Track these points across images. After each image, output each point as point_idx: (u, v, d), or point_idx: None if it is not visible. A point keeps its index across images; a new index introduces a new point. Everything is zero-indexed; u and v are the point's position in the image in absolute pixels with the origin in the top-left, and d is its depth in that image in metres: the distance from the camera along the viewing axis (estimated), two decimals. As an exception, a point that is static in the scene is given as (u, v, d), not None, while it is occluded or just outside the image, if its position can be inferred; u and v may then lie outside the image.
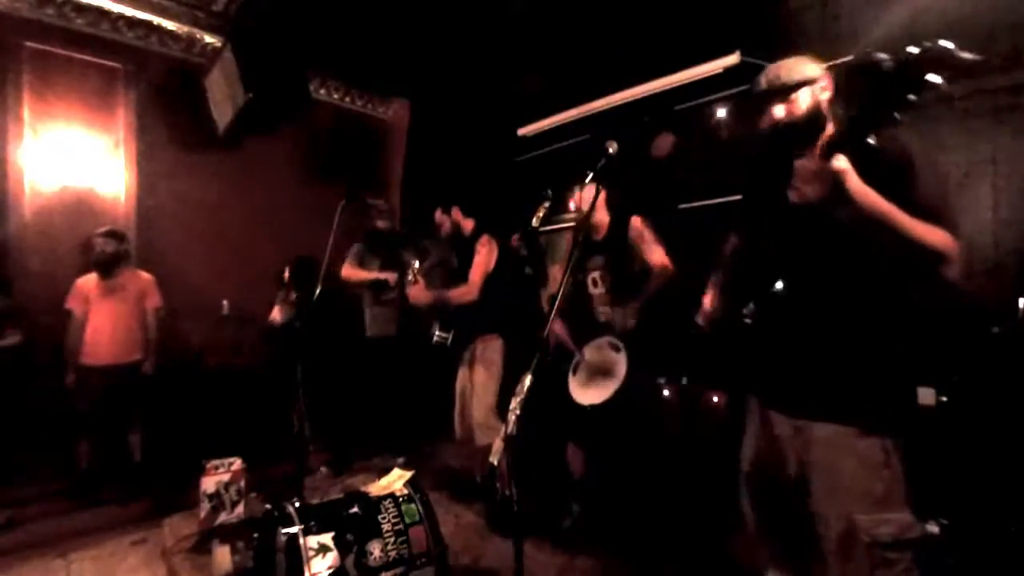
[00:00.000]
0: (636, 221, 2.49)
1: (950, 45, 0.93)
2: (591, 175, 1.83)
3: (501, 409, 2.73)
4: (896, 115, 0.99)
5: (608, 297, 2.47)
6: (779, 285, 1.32)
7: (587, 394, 2.32)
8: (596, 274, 2.51)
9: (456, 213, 2.94)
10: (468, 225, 2.94)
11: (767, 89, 1.31)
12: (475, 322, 2.81)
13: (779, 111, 1.30)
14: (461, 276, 2.81)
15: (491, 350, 2.82)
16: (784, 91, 1.29)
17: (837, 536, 1.26)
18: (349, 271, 3.53)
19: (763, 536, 1.52)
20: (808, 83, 1.29)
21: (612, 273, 2.46)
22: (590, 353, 2.41)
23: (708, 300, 1.56)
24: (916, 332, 1.29)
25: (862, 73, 1.08)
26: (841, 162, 1.09)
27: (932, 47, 0.93)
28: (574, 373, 2.42)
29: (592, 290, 2.52)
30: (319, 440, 3.53)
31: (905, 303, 1.25)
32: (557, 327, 2.54)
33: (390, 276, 3.45)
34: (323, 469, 3.45)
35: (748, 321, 1.39)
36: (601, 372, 2.33)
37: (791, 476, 1.37)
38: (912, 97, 0.96)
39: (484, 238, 2.84)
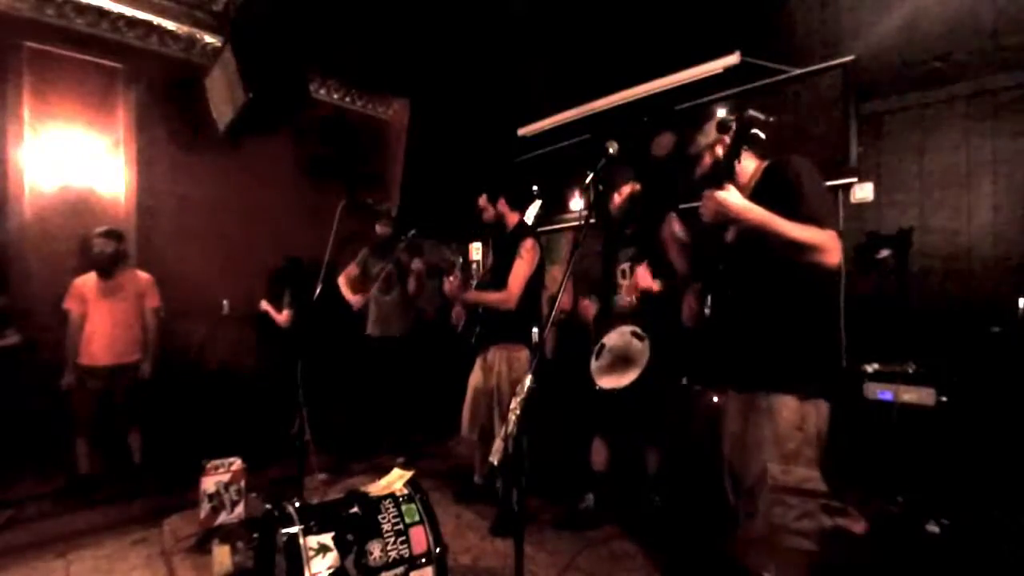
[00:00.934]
0: (673, 220, 2.53)
1: (758, 114, 1.58)
2: (591, 175, 1.83)
3: None
4: (740, 154, 1.57)
5: (635, 289, 2.52)
6: (721, 284, 1.72)
7: (607, 379, 2.38)
8: (626, 265, 2.59)
9: (502, 203, 2.76)
10: (512, 219, 2.78)
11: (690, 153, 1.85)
12: (501, 326, 2.69)
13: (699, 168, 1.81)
14: (499, 275, 2.68)
15: (519, 362, 2.67)
16: (696, 156, 1.82)
17: (754, 479, 1.60)
18: (341, 280, 3.57)
19: (739, 513, 1.73)
20: (710, 146, 1.75)
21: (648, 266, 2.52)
22: (613, 339, 2.47)
23: (687, 302, 1.94)
24: (833, 314, 1.66)
25: (719, 128, 1.65)
26: (720, 192, 1.51)
27: (748, 115, 1.57)
28: (597, 358, 2.46)
29: (621, 280, 2.61)
30: (319, 440, 3.52)
31: (811, 291, 1.58)
32: (587, 305, 2.66)
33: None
34: (321, 476, 3.38)
35: (707, 313, 1.74)
36: (623, 359, 2.38)
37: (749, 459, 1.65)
38: (745, 146, 1.57)
39: (529, 243, 2.64)
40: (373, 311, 3.65)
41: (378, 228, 3.60)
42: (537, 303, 2.75)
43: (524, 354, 2.69)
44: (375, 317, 3.64)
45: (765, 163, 1.69)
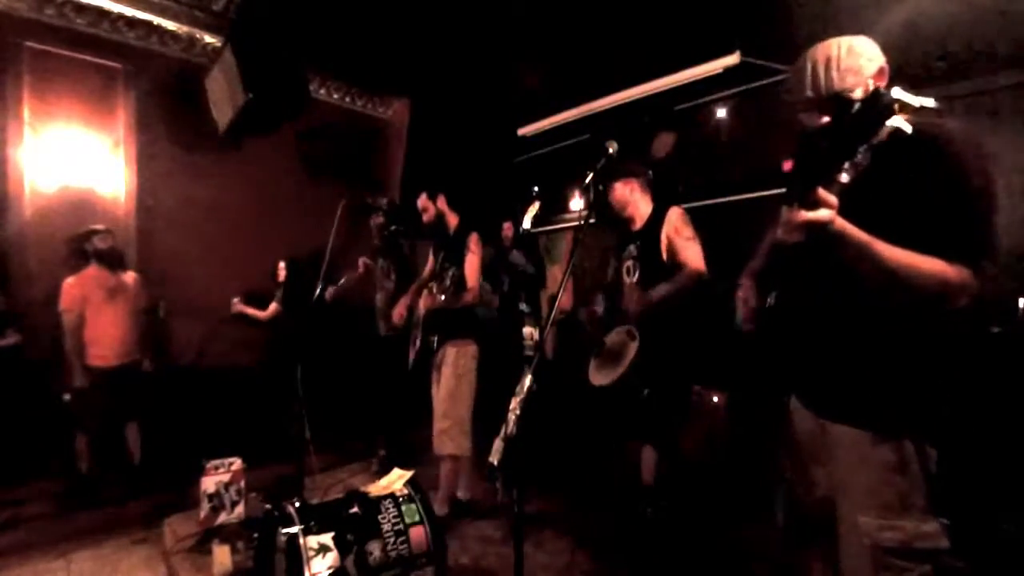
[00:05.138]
0: (673, 214, 2.46)
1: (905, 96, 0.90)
2: (591, 175, 1.82)
3: (477, 418, 2.71)
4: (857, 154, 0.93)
5: (637, 287, 2.48)
6: (795, 282, 1.30)
7: (598, 376, 2.40)
8: (629, 263, 2.55)
9: (441, 202, 2.83)
10: (452, 220, 2.84)
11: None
12: (448, 324, 2.74)
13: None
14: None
15: (464, 357, 2.72)
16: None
17: (844, 537, 1.24)
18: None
19: (795, 541, 1.47)
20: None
21: (642, 263, 2.48)
22: (611, 338, 2.46)
23: (743, 293, 1.51)
24: (941, 343, 1.18)
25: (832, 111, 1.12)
26: (816, 212, 0.98)
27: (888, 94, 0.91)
28: (597, 356, 2.47)
29: (626, 279, 2.56)
30: (318, 440, 3.52)
31: (925, 315, 1.14)
32: (588, 313, 2.68)
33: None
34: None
35: (770, 308, 1.37)
36: (616, 356, 2.36)
37: (816, 478, 1.35)
38: (871, 139, 0.92)
39: (475, 237, 2.74)
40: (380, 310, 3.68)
41: (372, 220, 3.61)
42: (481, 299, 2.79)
43: (472, 348, 2.73)
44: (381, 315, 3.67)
45: (902, 120, 0.98)
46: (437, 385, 2.78)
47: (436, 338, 2.77)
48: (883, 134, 0.98)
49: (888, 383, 1.18)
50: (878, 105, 0.91)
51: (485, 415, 2.70)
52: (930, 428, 1.20)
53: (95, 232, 3.16)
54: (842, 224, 1.01)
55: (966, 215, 1.02)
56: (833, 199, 0.97)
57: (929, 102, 0.90)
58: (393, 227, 3.51)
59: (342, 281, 3.65)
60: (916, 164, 1.03)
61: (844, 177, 0.96)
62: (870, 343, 1.19)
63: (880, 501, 1.19)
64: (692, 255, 2.35)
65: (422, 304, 2.82)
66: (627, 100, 3.69)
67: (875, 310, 1.16)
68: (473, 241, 2.72)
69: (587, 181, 1.83)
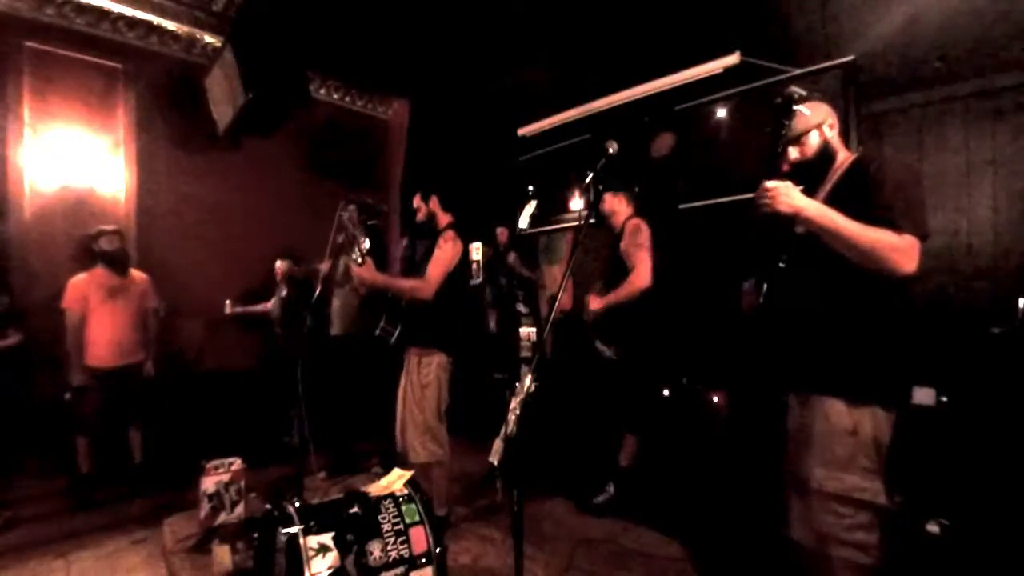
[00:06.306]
0: (628, 225, 2.78)
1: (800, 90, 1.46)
2: (591, 175, 1.82)
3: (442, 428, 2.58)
4: (785, 136, 1.50)
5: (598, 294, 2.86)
6: (776, 277, 1.56)
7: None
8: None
9: (434, 203, 2.68)
10: (444, 220, 2.68)
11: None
12: (416, 327, 2.55)
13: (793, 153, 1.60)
14: (421, 270, 2.56)
15: (429, 367, 2.52)
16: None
17: (796, 482, 1.49)
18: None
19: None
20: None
21: (613, 265, 2.81)
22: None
23: (747, 291, 1.74)
24: (899, 320, 1.44)
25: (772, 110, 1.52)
26: (771, 182, 1.41)
27: (790, 90, 1.46)
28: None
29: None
30: (318, 441, 3.51)
31: (882, 292, 1.40)
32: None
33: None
34: (321, 474, 3.37)
35: (761, 300, 1.59)
36: None
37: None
38: (786, 122, 1.47)
39: (449, 233, 2.55)
40: (339, 306, 3.55)
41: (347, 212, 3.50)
42: (457, 305, 2.62)
43: (436, 359, 2.52)
44: (341, 313, 3.55)
45: (853, 155, 1.55)
46: (401, 391, 2.63)
47: (395, 329, 2.59)
48: (845, 166, 1.54)
49: (838, 353, 1.44)
50: (785, 95, 1.48)
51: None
52: (888, 399, 1.43)
53: (103, 233, 3.17)
54: (802, 197, 1.39)
55: (892, 201, 1.35)
56: (788, 182, 1.43)
57: (815, 98, 1.52)
58: (370, 222, 3.42)
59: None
60: (861, 178, 1.44)
61: (794, 153, 1.56)
62: (838, 319, 1.45)
63: (832, 456, 1.43)
64: (638, 265, 2.65)
65: (357, 274, 2.58)
66: (627, 100, 3.68)
67: (837, 293, 1.44)
68: (445, 238, 2.54)
69: (587, 181, 1.83)
